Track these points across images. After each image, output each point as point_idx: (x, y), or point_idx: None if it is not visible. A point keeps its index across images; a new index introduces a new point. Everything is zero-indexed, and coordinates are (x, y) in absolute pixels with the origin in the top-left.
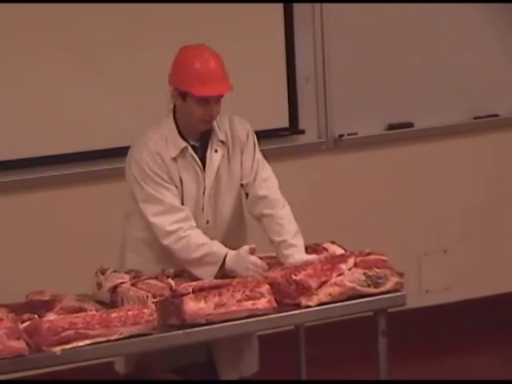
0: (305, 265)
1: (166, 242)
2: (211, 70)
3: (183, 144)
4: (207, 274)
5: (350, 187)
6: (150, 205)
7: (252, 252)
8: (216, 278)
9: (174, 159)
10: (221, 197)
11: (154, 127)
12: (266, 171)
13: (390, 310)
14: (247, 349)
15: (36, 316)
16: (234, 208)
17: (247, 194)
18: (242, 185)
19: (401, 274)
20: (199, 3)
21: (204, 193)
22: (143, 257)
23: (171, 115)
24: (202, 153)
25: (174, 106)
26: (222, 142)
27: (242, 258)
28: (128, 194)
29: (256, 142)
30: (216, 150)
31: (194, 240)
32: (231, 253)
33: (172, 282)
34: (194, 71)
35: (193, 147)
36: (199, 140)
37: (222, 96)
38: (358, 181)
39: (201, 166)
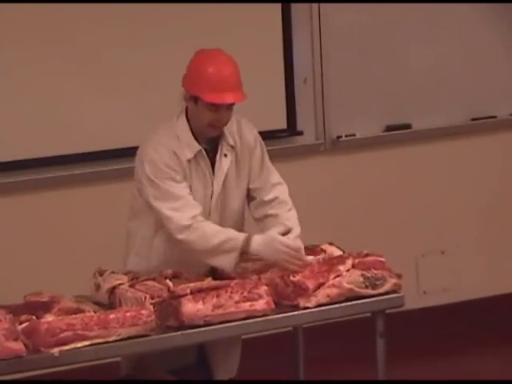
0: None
1: (181, 236)
2: (224, 76)
3: (198, 147)
4: (227, 263)
5: (347, 188)
6: (167, 201)
7: (284, 234)
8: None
9: (189, 161)
10: (228, 201)
11: (165, 126)
12: (276, 176)
13: (387, 311)
14: (235, 348)
15: (34, 317)
16: (238, 212)
17: (253, 198)
18: (248, 189)
19: (399, 276)
20: (197, 3)
21: (212, 197)
22: (147, 260)
23: (183, 116)
24: (211, 156)
25: (187, 107)
26: (231, 146)
27: (272, 240)
28: (131, 194)
29: (264, 146)
30: (225, 155)
31: (209, 228)
32: (257, 235)
33: (170, 284)
34: (207, 76)
35: (204, 150)
36: (208, 143)
37: (233, 103)
38: (356, 182)
39: (211, 170)
